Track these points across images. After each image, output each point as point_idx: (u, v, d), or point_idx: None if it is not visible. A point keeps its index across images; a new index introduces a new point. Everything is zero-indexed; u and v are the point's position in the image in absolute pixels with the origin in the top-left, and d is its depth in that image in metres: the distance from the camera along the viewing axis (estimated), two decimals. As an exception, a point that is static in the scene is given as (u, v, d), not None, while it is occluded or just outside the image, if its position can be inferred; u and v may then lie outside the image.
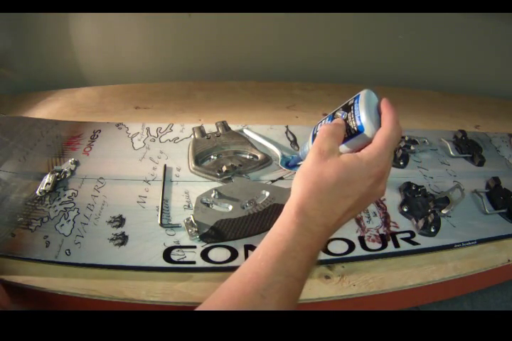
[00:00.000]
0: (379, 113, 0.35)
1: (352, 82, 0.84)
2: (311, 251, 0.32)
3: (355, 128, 0.35)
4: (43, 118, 0.66)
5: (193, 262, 0.44)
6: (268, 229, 0.47)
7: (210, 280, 0.43)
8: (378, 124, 0.34)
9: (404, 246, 0.48)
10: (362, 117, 0.35)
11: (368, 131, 0.34)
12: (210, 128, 0.63)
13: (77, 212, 0.49)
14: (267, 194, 0.52)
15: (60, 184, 0.53)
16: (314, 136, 0.39)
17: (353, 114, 0.35)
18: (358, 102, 0.36)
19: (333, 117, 0.38)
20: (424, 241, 0.48)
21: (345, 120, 0.36)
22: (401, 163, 0.60)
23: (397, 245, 0.48)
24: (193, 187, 0.53)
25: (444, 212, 0.51)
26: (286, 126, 0.65)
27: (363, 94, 0.37)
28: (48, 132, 0.62)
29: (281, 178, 0.56)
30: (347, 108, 0.37)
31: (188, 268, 0.44)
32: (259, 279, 0.30)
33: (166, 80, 0.82)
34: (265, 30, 0.81)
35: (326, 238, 0.34)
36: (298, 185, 0.34)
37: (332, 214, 0.33)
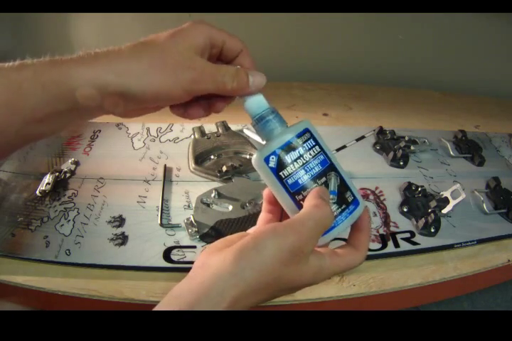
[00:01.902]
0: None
1: (352, 82, 0.84)
2: None
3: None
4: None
5: (193, 262, 0.44)
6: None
7: (210, 280, 0.43)
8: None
9: (404, 246, 0.48)
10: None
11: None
12: (210, 128, 0.63)
13: (77, 212, 0.49)
14: (267, 194, 0.52)
15: (60, 184, 0.53)
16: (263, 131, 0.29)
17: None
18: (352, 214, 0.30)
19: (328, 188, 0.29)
20: (424, 241, 0.48)
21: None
22: (401, 163, 0.60)
23: (397, 245, 0.48)
24: (193, 187, 0.53)
25: (444, 212, 0.51)
26: (286, 126, 0.65)
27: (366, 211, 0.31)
28: (48, 132, 0.62)
29: (281, 178, 0.56)
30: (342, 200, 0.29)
31: (188, 268, 0.43)
32: None
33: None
34: (265, 30, 0.81)
35: None
36: (239, 279, 0.25)
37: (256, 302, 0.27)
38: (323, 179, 0.29)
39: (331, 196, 0.28)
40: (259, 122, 0.29)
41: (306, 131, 0.29)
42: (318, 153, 0.29)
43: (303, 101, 0.76)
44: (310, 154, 0.28)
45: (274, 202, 0.31)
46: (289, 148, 0.28)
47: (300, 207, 0.29)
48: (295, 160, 0.28)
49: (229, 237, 0.31)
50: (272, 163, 0.28)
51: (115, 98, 0.27)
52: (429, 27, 0.79)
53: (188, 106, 0.31)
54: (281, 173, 0.28)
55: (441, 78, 0.86)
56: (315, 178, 0.29)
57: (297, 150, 0.28)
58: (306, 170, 0.28)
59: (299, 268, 0.27)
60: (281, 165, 0.28)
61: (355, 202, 0.30)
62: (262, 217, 0.34)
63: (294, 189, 0.29)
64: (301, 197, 0.29)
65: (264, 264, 0.25)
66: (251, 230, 0.33)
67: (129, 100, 0.27)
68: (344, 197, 0.29)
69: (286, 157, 0.28)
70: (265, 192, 0.32)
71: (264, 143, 0.30)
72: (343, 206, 0.29)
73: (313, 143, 0.29)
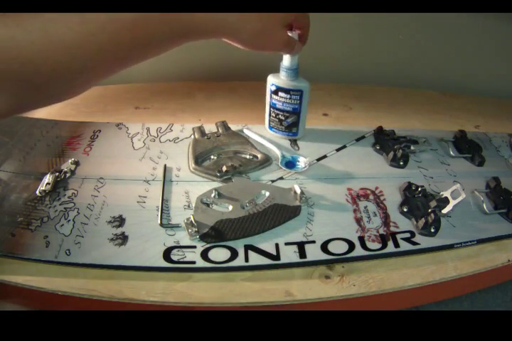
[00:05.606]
0: None
1: (352, 82, 0.84)
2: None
3: None
4: (42, 118, 0.66)
5: (193, 262, 0.44)
6: (268, 229, 0.48)
7: (210, 280, 0.43)
8: None
9: (405, 246, 0.48)
10: None
11: None
12: (210, 128, 0.63)
13: (77, 212, 0.49)
14: (267, 194, 0.52)
15: (60, 184, 0.53)
16: None
17: None
18: None
19: None
20: (424, 241, 0.48)
21: None
22: (401, 163, 0.60)
23: (397, 245, 0.48)
24: (193, 187, 0.53)
25: (444, 212, 0.51)
26: (286, 126, 0.66)
27: None
28: (48, 132, 0.62)
29: (281, 178, 0.56)
30: None
31: (188, 268, 0.44)
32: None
33: (167, 80, 0.82)
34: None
35: None
36: None
37: None
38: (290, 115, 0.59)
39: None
40: (286, 70, 0.54)
41: (299, 90, 0.55)
42: (295, 102, 0.56)
43: (303, 101, 0.76)
44: (290, 100, 0.56)
45: None
46: (278, 90, 0.56)
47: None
48: (280, 97, 0.57)
49: None
50: (272, 88, 0.56)
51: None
52: (429, 27, 0.79)
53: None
54: (272, 95, 0.57)
55: (441, 78, 0.86)
56: (283, 110, 0.58)
57: (280, 94, 0.56)
58: (281, 104, 0.57)
59: None
60: (273, 93, 0.57)
61: None
62: None
63: (272, 106, 0.59)
64: (273, 114, 0.60)
65: None
66: None
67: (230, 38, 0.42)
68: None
69: (276, 92, 0.57)
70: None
71: (282, 78, 0.55)
72: None
73: (298, 98, 0.56)
